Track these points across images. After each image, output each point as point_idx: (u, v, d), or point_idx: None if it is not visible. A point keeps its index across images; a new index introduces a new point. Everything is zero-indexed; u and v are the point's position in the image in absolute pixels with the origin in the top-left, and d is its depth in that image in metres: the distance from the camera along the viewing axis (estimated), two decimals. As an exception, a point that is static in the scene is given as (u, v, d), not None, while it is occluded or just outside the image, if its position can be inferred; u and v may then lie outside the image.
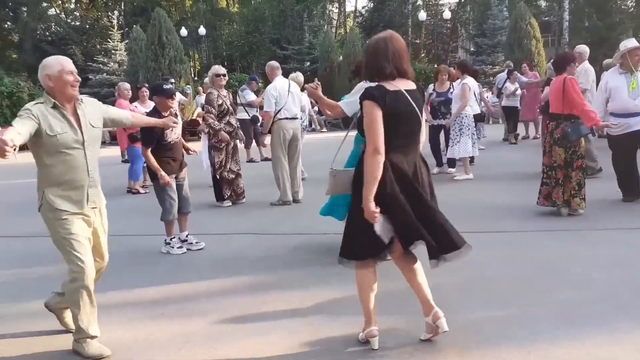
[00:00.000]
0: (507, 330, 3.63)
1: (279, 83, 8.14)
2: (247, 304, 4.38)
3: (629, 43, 6.94)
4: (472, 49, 33.54)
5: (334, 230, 6.36)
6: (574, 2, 32.80)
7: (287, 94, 8.03)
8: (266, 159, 12.91)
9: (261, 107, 12.05)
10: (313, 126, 10.23)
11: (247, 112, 11.99)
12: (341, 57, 25.56)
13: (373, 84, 3.26)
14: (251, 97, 12.48)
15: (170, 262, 5.66)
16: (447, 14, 32.08)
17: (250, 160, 12.94)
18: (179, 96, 12.49)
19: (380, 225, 3.20)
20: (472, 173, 9.35)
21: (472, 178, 9.24)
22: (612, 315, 3.78)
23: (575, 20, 31.65)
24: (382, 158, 3.13)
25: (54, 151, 3.47)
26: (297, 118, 8.13)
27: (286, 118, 8.02)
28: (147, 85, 10.81)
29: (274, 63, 8.51)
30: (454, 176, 9.38)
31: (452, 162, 9.82)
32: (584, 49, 8.96)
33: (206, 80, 10.36)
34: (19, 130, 3.21)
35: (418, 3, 38.32)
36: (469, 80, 9.30)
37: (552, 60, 6.84)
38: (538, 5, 36.24)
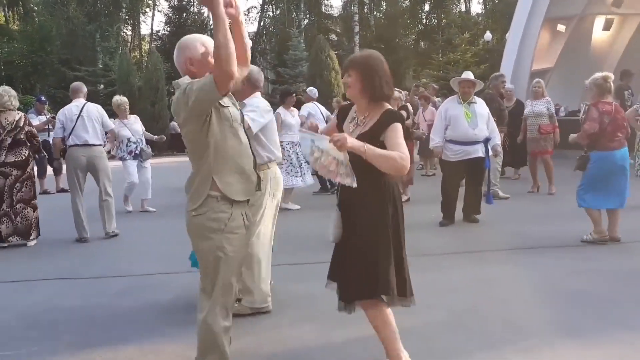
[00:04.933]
0: None
1: (69, 106, 7.47)
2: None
3: (463, 75, 7.42)
4: (273, 78, 34.32)
5: (159, 270, 5.78)
6: (363, 38, 35.24)
7: (76, 119, 7.25)
8: (62, 190, 11.65)
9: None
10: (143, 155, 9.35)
11: None
12: (138, 81, 24.41)
13: None
14: (34, 121, 11.10)
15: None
16: (248, 43, 32.34)
17: (45, 192, 11.51)
18: None
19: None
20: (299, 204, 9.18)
21: (299, 208, 9.05)
22: (450, 337, 3.76)
23: (365, 54, 33.82)
24: (406, 170, 3.02)
25: (224, 126, 2.91)
26: (90, 145, 7.27)
27: (76, 145, 7.27)
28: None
29: (75, 85, 7.73)
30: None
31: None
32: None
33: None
34: None
35: (215, 30, 38.19)
36: (310, 107, 9.26)
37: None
38: (330, 39, 38.24)
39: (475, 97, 7.38)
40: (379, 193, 3.13)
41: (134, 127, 9.14)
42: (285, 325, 4.22)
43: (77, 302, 4.91)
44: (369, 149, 2.92)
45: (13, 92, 7.15)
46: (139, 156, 9.12)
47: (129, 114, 9.24)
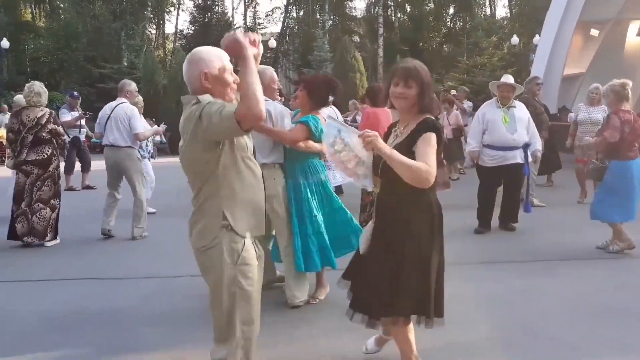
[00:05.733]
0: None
1: (107, 105, 7.37)
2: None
3: (503, 78, 7.18)
4: (296, 79, 34.22)
5: (188, 273, 5.60)
6: (387, 40, 34.97)
7: (106, 119, 7.15)
8: (88, 187, 11.60)
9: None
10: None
11: (66, 134, 10.74)
12: (165, 80, 24.41)
13: None
14: (66, 117, 11.11)
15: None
16: (272, 43, 32.29)
17: (70, 189, 11.44)
18: None
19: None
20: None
21: None
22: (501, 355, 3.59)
23: (388, 55, 33.66)
24: (430, 183, 2.86)
25: (238, 156, 2.68)
26: (115, 146, 7.10)
27: (106, 145, 7.21)
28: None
29: (120, 83, 7.61)
30: None
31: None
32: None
33: (17, 97, 9.02)
34: None
35: (239, 30, 38.29)
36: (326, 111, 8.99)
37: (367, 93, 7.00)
38: (353, 41, 38.06)
39: (515, 101, 7.13)
40: (418, 210, 3.00)
41: (155, 127, 8.92)
42: (322, 335, 4.03)
43: (104, 304, 4.76)
44: (393, 154, 2.83)
45: (37, 89, 6.93)
46: (151, 156, 9.01)
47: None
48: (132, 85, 7.53)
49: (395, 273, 2.97)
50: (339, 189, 9.96)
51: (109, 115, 7.15)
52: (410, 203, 2.98)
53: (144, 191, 7.34)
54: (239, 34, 2.53)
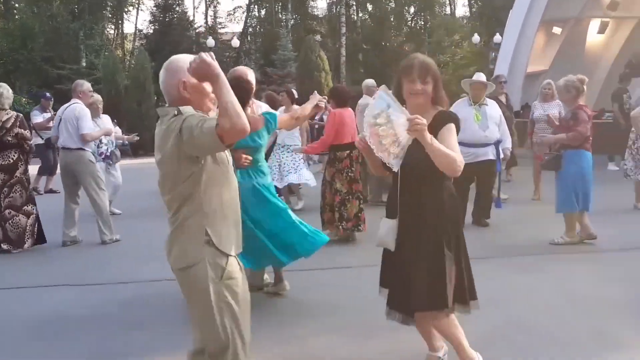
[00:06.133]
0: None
1: (62, 107, 7.17)
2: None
3: (475, 76, 7.23)
4: (259, 78, 33.97)
5: (164, 277, 5.49)
6: (350, 39, 35.05)
7: (59, 121, 6.98)
8: (51, 191, 11.29)
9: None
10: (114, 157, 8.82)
11: (39, 136, 10.65)
12: (125, 80, 23.99)
13: None
14: (38, 118, 10.86)
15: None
16: (235, 42, 32.06)
17: (34, 189, 11.05)
18: None
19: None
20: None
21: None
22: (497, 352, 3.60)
23: (351, 54, 33.79)
24: (458, 173, 2.92)
25: (220, 171, 2.55)
26: (66, 148, 6.89)
27: (60, 147, 7.08)
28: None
29: (75, 83, 7.38)
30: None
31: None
32: (371, 82, 9.45)
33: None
34: None
35: (200, 29, 38.11)
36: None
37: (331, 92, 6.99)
38: (315, 40, 38.02)
39: (486, 98, 7.20)
40: (444, 202, 3.08)
41: (106, 127, 8.38)
42: (311, 336, 3.99)
43: (83, 311, 4.64)
44: (434, 142, 2.83)
45: (4, 91, 6.64)
46: (109, 158, 8.61)
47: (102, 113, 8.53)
48: (85, 85, 7.29)
49: (434, 266, 3.00)
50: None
51: (61, 117, 6.99)
52: (436, 196, 3.06)
53: (100, 194, 7.00)
54: (204, 55, 2.35)
